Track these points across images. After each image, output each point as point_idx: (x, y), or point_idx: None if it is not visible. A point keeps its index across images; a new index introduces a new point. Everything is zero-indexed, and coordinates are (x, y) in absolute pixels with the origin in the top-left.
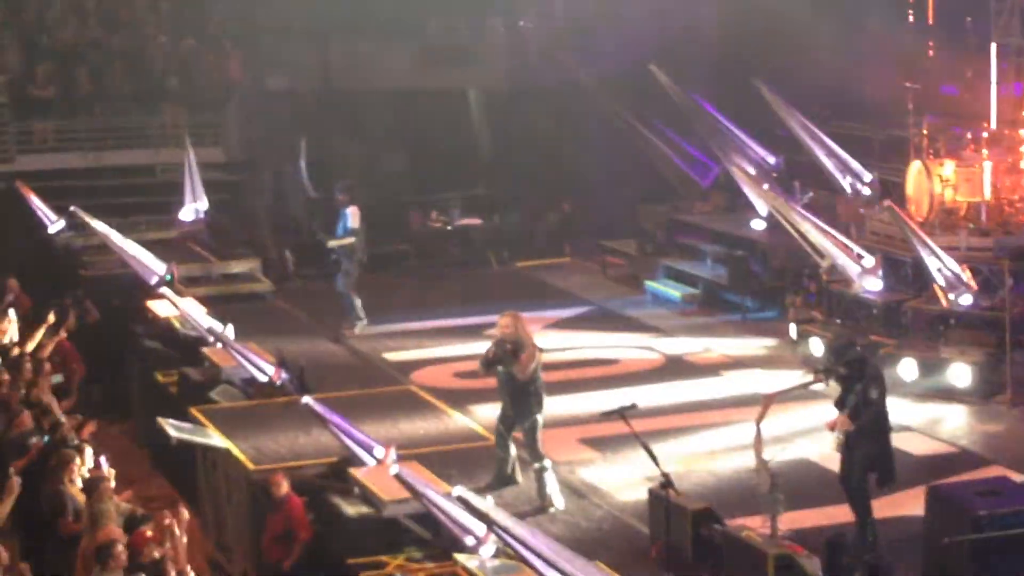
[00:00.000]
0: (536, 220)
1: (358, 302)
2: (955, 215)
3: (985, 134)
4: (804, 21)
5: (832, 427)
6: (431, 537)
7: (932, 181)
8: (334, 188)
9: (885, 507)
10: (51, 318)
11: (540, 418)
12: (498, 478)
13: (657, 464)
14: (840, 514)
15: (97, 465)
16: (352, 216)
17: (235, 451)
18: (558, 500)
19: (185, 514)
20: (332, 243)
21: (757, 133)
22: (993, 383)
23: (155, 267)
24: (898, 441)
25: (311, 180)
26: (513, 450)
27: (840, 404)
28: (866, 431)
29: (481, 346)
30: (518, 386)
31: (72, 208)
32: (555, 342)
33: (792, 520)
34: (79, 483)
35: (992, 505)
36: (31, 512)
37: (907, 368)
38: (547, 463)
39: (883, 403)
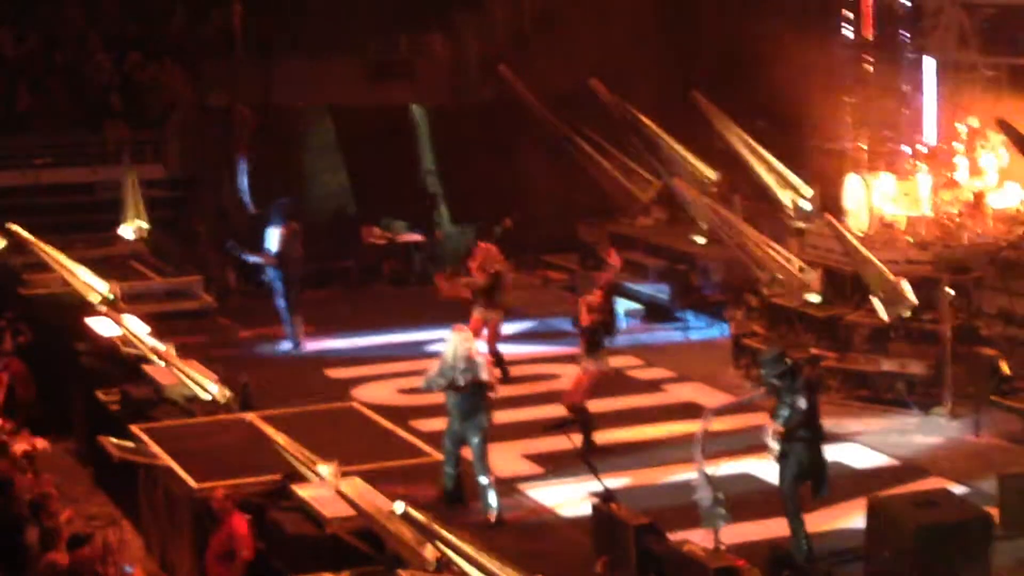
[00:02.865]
0: (479, 235)
1: (297, 321)
2: (894, 229)
3: (923, 148)
4: (743, 35)
5: (766, 436)
6: (375, 554)
7: (870, 195)
8: (271, 206)
9: (826, 519)
10: None
11: (487, 433)
12: (445, 495)
13: (599, 479)
14: (782, 527)
15: (42, 483)
16: (276, 238)
17: (177, 469)
18: (499, 514)
19: (125, 535)
20: (249, 257)
21: (697, 147)
22: (933, 395)
23: (96, 285)
24: (838, 453)
25: (251, 197)
26: (459, 467)
27: (774, 415)
28: (797, 440)
29: (423, 363)
30: (467, 402)
31: (10, 226)
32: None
33: (734, 533)
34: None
35: (932, 517)
36: None
37: (847, 381)
38: (491, 478)
39: (813, 413)
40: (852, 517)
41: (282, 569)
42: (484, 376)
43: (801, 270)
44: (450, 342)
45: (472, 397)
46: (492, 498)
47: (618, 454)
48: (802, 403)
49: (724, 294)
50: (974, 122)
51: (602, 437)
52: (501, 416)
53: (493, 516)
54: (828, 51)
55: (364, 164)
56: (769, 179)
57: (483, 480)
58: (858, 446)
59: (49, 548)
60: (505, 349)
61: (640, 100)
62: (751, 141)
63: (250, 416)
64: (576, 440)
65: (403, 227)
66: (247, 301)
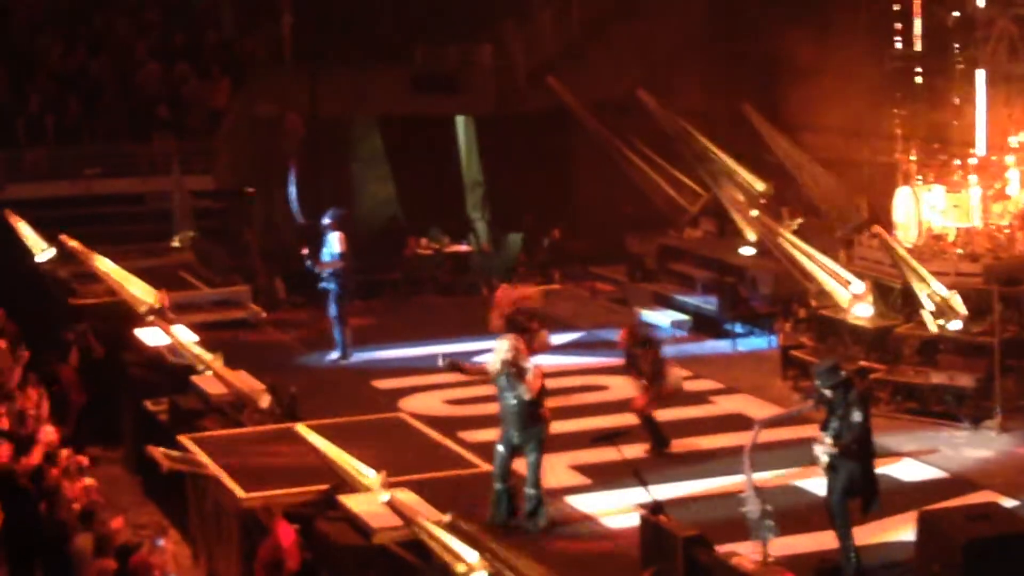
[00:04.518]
0: (528, 246)
1: (346, 331)
2: (944, 241)
3: (973, 160)
4: (791, 46)
5: (817, 449)
6: (422, 565)
7: (920, 207)
8: (323, 215)
9: (876, 532)
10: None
11: (543, 445)
12: (497, 513)
13: (648, 490)
14: (831, 540)
15: (92, 492)
16: (337, 241)
17: (225, 479)
18: (545, 526)
19: (162, 543)
20: (320, 267)
21: (746, 159)
22: (983, 408)
23: (145, 295)
24: (888, 467)
25: (300, 207)
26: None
27: (825, 427)
28: (849, 454)
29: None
30: (526, 410)
31: (61, 236)
32: (545, 369)
33: (783, 546)
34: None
35: (982, 531)
36: (19, 536)
37: (896, 393)
38: (540, 490)
39: (866, 426)
40: (902, 530)
41: None
42: (523, 391)
43: (850, 282)
44: (496, 351)
45: (530, 406)
46: (540, 511)
47: (666, 466)
48: (856, 416)
49: (772, 306)
50: None
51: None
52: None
53: (536, 526)
54: (878, 63)
55: (412, 174)
56: (817, 191)
57: (530, 491)
58: (907, 459)
59: (101, 555)
60: (553, 360)
61: (688, 111)
62: (800, 153)
63: (298, 426)
64: (624, 452)
65: (446, 238)
66: (296, 311)
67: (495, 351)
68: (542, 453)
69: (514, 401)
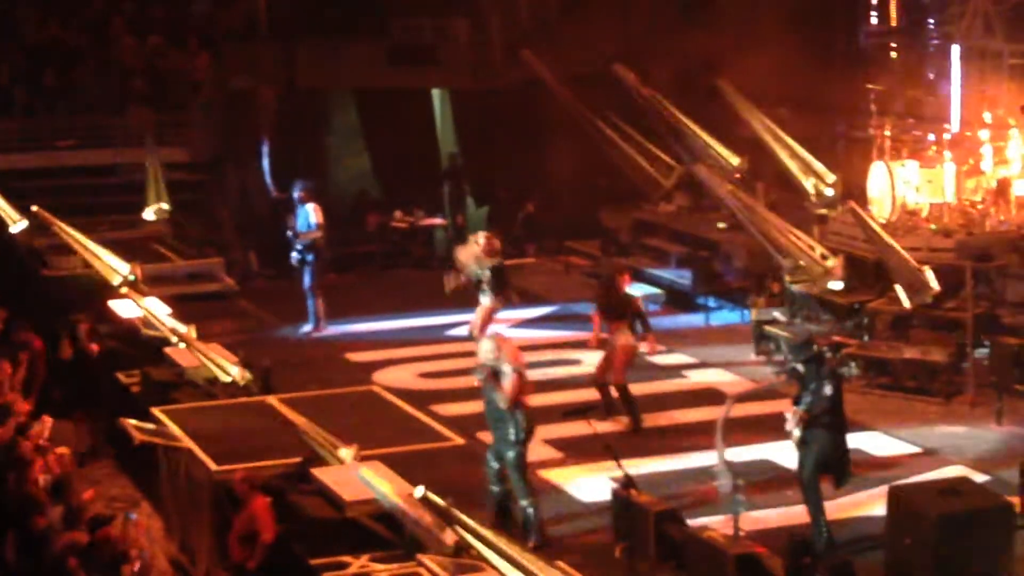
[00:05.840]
0: (503, 220)
1: (320, 304)
2: (917, 216)
3: (947, 135)
4: (766, 21)
5: (788, 423)
6: (394, 538)
7: (894, 182)
8: (294, 187)
9: (847, 507)
10: None
11: (524, 451)
12: (494, 516)
13: (619, 464)
14: (802, 514)
15: (64, 464)
16: (314, 212)
17: (198, 451)
18: (540, 538)
19: (134, 516)
20: (301, 237)
21: (720, 133)
22: (955, 383)
23: (118, 267)
24: (859, 441)
25: (274, 180)
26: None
27: (797, 401)
28: (820, 427)
29: (444, 347)
30: (495, 411)
31: (35, 208)
32: (518, 343)
33: (754, 520)
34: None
35: (953, 505)
36: None
37: (869, 368)
38: (531, 499)
39: (838, 400)
40: (873, 505)
41: (302, 552)
42: (499, 398)
43: (823, 257)
44: (479, 352)
45: (507, 410)
46: (532, 523)
47: (638, 439)
48: (827, 390)
49: (746, 281)
50: (999, 110)
51: (623, 423)
52: None
53: (532, 541)
54: (854, 38)
55: (387, 148)
56: (792, 166)
57: (522, 502)
58: (879, 434)
59: (70, 527)
60: (527, 334)
61: (663, 85)
62: (774, 127)
63: (271, 399)
64: (596, 426)
65: (420, 211)
66: (269, 284)
67: (479, 352)
68: (523, 458)
69: (489, 402)
